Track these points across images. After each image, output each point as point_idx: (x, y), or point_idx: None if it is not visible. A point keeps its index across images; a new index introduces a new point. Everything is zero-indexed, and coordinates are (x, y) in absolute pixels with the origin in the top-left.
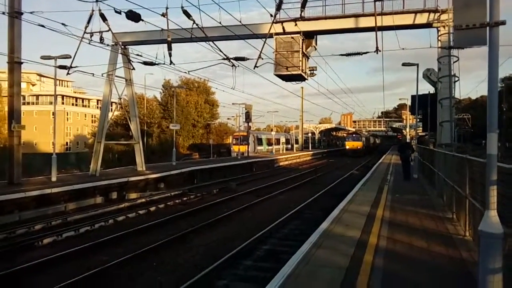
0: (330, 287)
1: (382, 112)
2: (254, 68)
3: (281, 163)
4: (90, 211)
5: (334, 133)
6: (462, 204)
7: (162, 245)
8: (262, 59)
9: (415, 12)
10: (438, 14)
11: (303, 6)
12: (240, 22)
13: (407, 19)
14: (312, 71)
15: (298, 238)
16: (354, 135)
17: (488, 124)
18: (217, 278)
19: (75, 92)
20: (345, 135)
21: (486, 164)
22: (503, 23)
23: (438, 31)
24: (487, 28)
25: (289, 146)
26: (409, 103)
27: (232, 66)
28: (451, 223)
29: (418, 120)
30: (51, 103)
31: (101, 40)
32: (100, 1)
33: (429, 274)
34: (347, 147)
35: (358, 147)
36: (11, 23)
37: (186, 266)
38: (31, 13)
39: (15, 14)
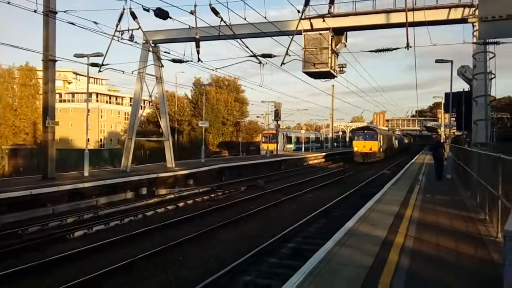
0: (351, 286)
1: (416, 111)
2: (281, 65)
3: (310, 162)
4: (120, 206)
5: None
6: (495, 204)
7: (189, 239)
8: (289, 56)
9: (449, 7)
10: (474, 8)
11: (331, 2)
12: (266, 18)
13: (441, 15)
14: (341, 68)
15: (324, 236)
16: (365, 132)
17: None
18: (242, 274)
19: (109, 90)
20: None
21: None
22: None
23: (473, 26)
24: None
25: (319, 144)
26: (443, 101)
27: (259, 63)
28: (483, 224)
29: (452, 119)
30: (86, 100)
31: (132, 38)
32: None
33: (455, 276)
34: (355, 148)
35: (372, 150)
36: (46, 22)
37: (211, 261)
38: (65, 12)
39: (49, 13)
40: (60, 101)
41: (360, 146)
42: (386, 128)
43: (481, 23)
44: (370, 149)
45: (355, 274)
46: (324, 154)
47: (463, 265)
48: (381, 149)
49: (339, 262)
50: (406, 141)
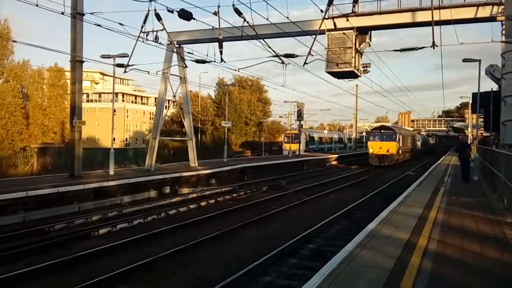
0: None
1: (443, 111)
2: (303, 65)
3: (332, 162)
4: (144, 204)
5: None
6: None
7: (210, 239)
8: (312, 55)
9: (477, 5)
10: (502, 6)
11: (355, 1)
12: (288, 18)
13: (468, 13)
14: (365, 68)
15: (345, 238)
16: (382, 131)
17: None
18: (262, 274)
19: (134, 90)
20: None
21: None
22: None
23: (502, 24)
24: None
25: (342, 145)
26: (470, 101)
27: (282, 63)
28: (510, 227)
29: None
30: (112, 100)
31: (156, 39)
32: (154, 1)
33: (479, 280)
34: (370, 150)
35: (389, 152)
36: (74, 24)
37: (231, 261)
38: (92, 13)
39: (77, 15)
40: (87, 101)
41: (376, 147)
42: (410, 128)
43: (508, 21)
44: (387, 151)
45: (376, 277)
46: (346, 154)
47: (488, 269)
48: (400, 151)
49: (360, 264)
50: (432, 141)
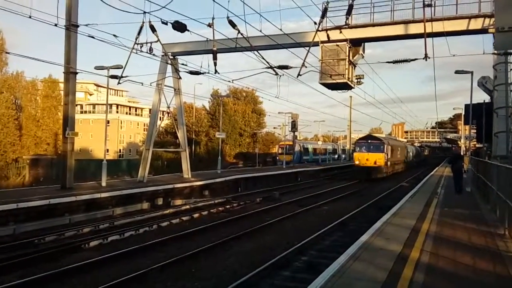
0: None
1: (436, 123)
2: (297, 77)
3: (326, 173)
4: (136, 216)
5: None
6: None
7: (203, 251)
8: (306, 67)
9: (469, 18)
10: (494, 19)
11: (348, 13)
12: (281, 30)
13: (460, 25)
14: (359, 80)
15: (339, 250)
16: (369, 141)
17: None
18: (255, 287)
19: (129, 102)
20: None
21: None
22: None
23: (494, 36)
24: None
25: (336, 156)
26: (463, 113)
27: (275, 74)
28: (502, 239)
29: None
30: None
31: (151, 50)
32: (148, 13)
33: None
34: (356, 162)
35: (377, 163)
36: (68, 35)
37: (224, 273)
38: (86, 25)
39: (71, 27)
40: (81, 112)
41: (362, 159)
42: (404, 139)
43: (498, 33)
44: (375, 162)
45: None
46: (340, 165)
47: (480, 281)
48: (389, 163)
49: (352, 276)
50: (425, 153)
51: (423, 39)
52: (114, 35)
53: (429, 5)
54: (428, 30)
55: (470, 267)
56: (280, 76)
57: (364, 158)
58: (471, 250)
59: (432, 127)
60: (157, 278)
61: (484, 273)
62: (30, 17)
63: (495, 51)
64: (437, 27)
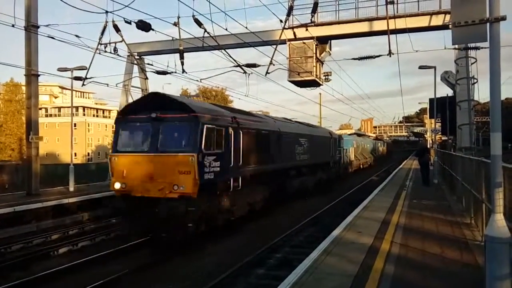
0: None
1: (403, 117)
2: (265, 75)
3: None
4: (106, 220)
5: None
6: (480, 208)
7: (177, 253)
8: (274, 65)
9: (431, 14)
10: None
11: (313, 11)
12: (247, 28)
13: (422, 22)
14: (326, 77)
15: (313, 245)
16: None
17: (491, 123)
18: (231, 286)
19: (96, 104)
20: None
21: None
22: (504, 18)
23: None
24: (487, 24)
25: None
26: (428, 107)
27: (244, 73)
28: (469, 228)
29: (438, 124)
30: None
31: (115, 51)
32: (111, 12)
33: (440, 282)
34: None
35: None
36: (28, 37)
37: (198, 274)
38: (46, 26)
39: (31, 28)
40: (47, 115)
41: None
42: (373, 134)
43: (454, 28)
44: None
45: (339, 283)
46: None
47: (448, 270)
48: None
49: (324, 271)
50: (393, 147)
51: (387, 36)
52: (77, 36)
53: (392, 2)
54: (392, 27)
55: (438, 256)
56: (249, 74)
57: None
58: (439, 240)
59: (400, 122)
60: (132, 281)
61: (452, 262)
62: None
63: (456, 46)
64: (400, 24)
